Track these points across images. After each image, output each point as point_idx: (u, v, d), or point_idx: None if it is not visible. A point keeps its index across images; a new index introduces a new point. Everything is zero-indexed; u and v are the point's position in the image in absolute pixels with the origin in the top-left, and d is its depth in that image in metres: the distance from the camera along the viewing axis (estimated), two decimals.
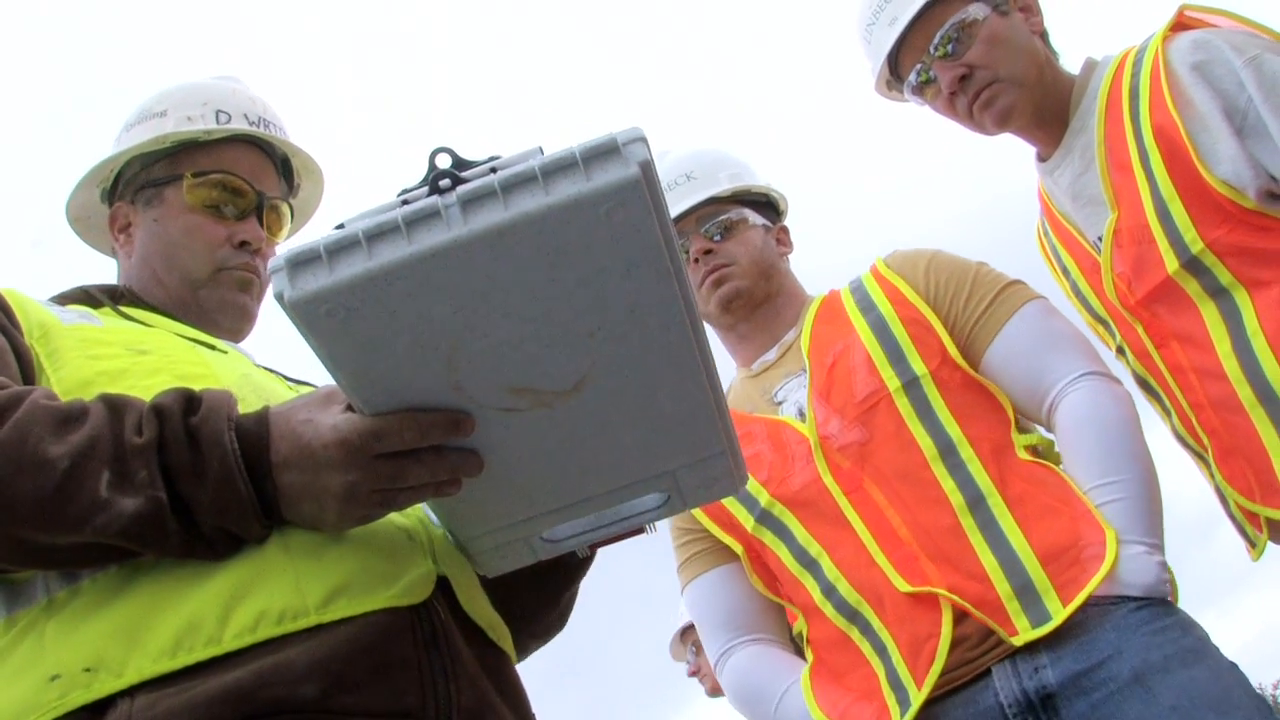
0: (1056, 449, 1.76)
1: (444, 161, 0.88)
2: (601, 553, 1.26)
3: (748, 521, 1.80)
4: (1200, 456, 1.74)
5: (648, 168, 0.84)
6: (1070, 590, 1.56)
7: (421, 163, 0.89)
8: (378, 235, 0.85)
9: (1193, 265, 1.61)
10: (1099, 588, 1.55)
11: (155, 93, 1.47)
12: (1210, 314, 1.62)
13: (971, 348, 1.78)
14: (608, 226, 0.85)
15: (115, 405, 0.98)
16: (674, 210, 1.96)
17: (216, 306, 1.39)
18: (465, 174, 0.87)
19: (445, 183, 0.86)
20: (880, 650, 1.66)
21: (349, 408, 0.98)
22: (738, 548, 1.85)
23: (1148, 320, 1.70)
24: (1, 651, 0.98)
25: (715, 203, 1.97)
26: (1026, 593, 1.58)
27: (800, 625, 1.82)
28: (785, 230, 2.07)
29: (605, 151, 0.84)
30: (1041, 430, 1.81)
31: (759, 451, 1.81)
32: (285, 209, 1.49)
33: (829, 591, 1.71)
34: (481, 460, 1.00)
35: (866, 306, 1.85)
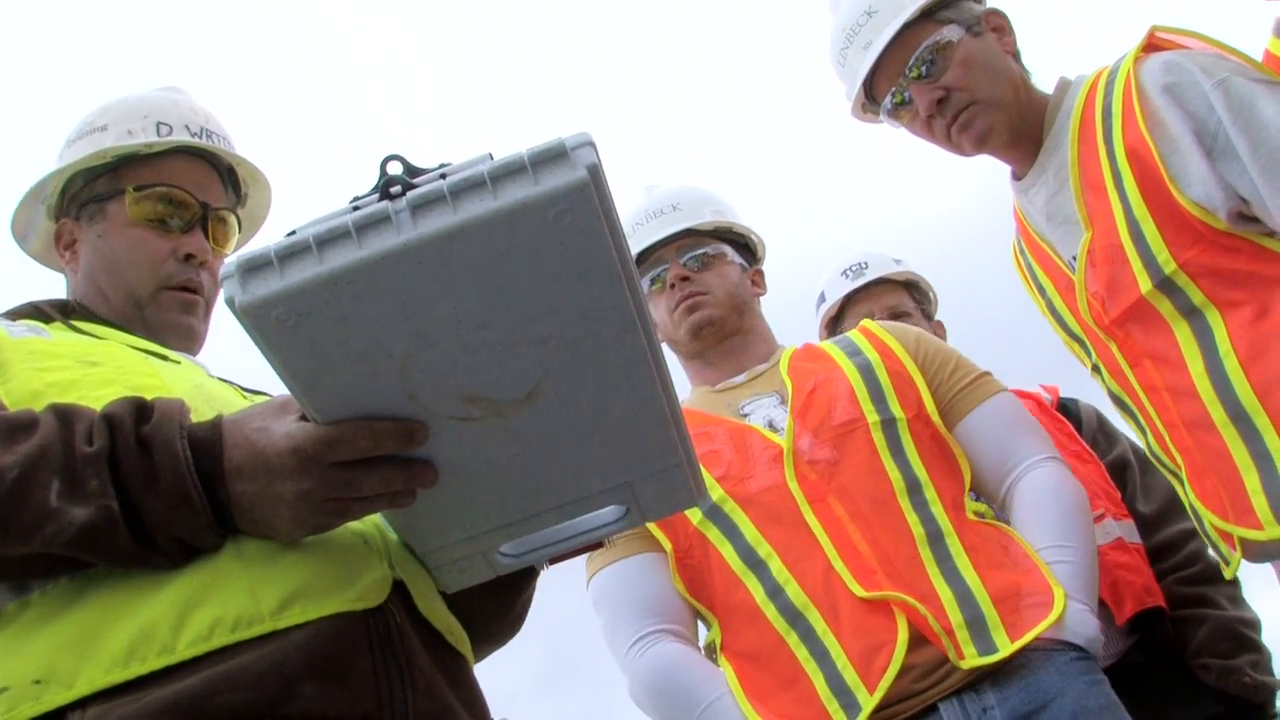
0: (1005, 519, 1.85)
1: (395, 168, 0.89)
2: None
3: (694, 515, 1.79)
4: (1174, 475, 1.75)
5: (596, 172, 0.85)
6: (1016, 629, 1.63)
7: (375, 172, 0.90)
8: (328, 240, 0.85)
9: (1166, 285, 1.62)
10: (1045, 631, 1.63)
11: (96, 107, 1.47)
12: (1183, 334, 1.62)
13: (949, 413, 1.88)
14: (557, 231, 0.85)
15: (65, 415, 0.98)
16: (655, 236, 2.05)
17: (161, 327, 1.38)
18: (416, 180, 0.88)
19: (396, 189, 0.87)
20: (821, 656, 1.65)
21: (303, 416, 0.97)
22: (667, 545, 1.83)
23: (1122, 339, 1.70)
24: None
25: (696, 235, 2.05)
26: (976, 624, 1.64)
27: (715, 635, 1.79)
28: (760, 273, 2.15)
29: (553, 156, 0.85)
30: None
31: (717, 449, 1.83)
32: (232, 219, 1.48)
33: (774, 592, 1.70)
34: (436, 471, 1.00)
35: (852, 352, 1.94)
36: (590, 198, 0.85)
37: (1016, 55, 1.84)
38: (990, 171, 1.88)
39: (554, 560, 1.19)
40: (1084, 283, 1.73)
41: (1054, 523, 1.76)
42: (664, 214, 2.06)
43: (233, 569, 0.98)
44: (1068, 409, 2.41)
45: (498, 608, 1.26)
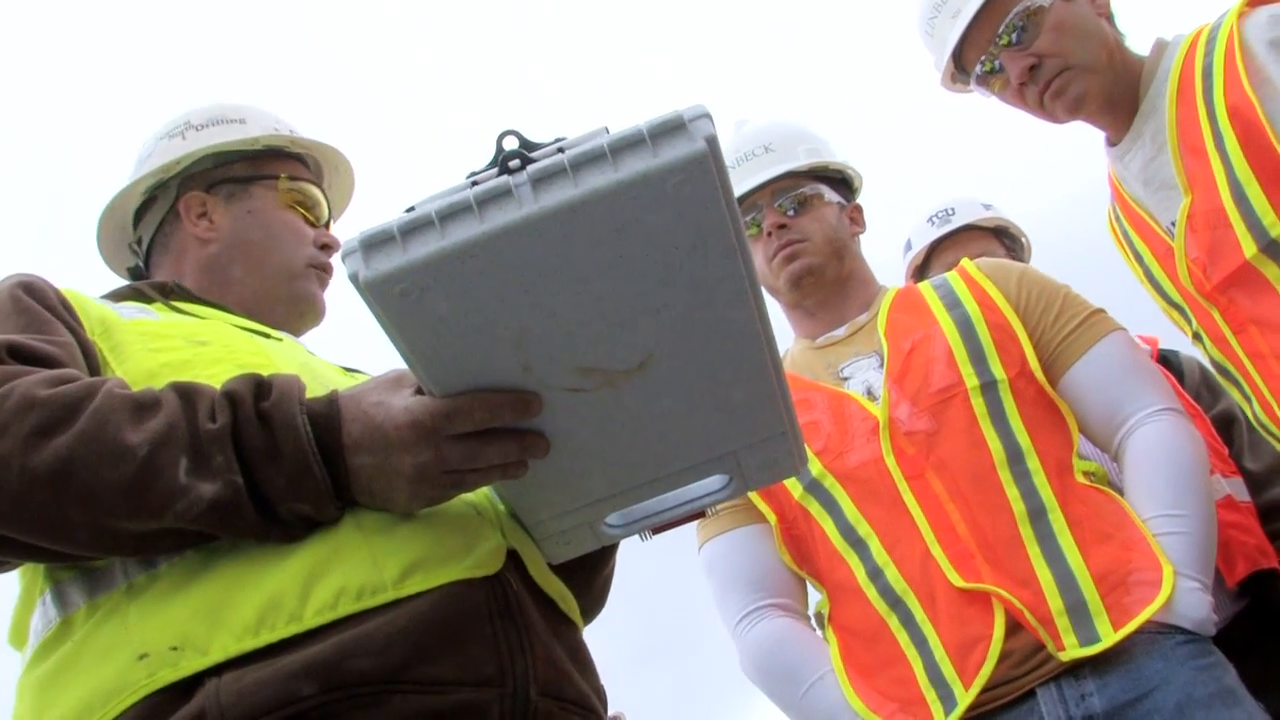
0: (1115, 477, 1.76)
1: (512, 143, 0.91)
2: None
3: (795, 489, 1.78)
4: None
5: (713, 143, 0.86)
6: (1121, 616, 1.56)
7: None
8: (450, 214, 0.87)
9: (1272, 249, 1.57)
10: (1152, 616, 1.55)
11: (216, 104, 1.56)
12: None
13: (1054, 364, 1.79)
14: (675, 202, 0.86)
15: (187, 392, 1.01)
16: (751, 182, 1.97)
17: (302, 298, 1.48)
18: (533, 154, 0.89)
19: (515, 163, 0.88)
20: (920, 643, 1.63)
21: (419, 390, 1.00)
22: (771, 517, 1.82)
23: (1224, 306, 1.66)
24: (87, 635, 1.00)
25: (791, 177, 1.97)
26: (1078, 611, 1.58)
27: (824, 605, 1.78)
28: (859, 209, 2.07)
29: (672, 128, 0.86)
30: (1100, 459, 1.82)
31: (817, 420, 1.80)
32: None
33: (875, 574, 1.69)
34: (548, 442, 1.02)
35: (952, 303, 1.85)
36: (709, 169, 0.86)
37: (1110, 17, 1.80)
38: None
39: (657, 530, 1.20)
40: (1183, 249, 1.69)
41: (1165, 487, 1.66)
42: (756, 156, 1.98)
43: (353, 540, 1.01)
44: (1168, 361, 2.29)
45: (578, 586, 1.27)
